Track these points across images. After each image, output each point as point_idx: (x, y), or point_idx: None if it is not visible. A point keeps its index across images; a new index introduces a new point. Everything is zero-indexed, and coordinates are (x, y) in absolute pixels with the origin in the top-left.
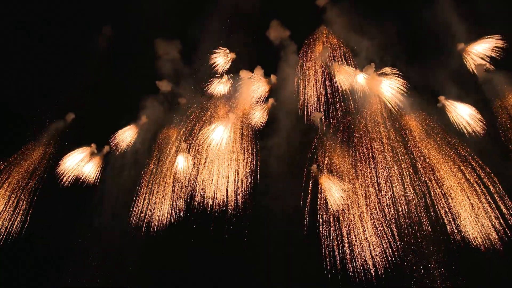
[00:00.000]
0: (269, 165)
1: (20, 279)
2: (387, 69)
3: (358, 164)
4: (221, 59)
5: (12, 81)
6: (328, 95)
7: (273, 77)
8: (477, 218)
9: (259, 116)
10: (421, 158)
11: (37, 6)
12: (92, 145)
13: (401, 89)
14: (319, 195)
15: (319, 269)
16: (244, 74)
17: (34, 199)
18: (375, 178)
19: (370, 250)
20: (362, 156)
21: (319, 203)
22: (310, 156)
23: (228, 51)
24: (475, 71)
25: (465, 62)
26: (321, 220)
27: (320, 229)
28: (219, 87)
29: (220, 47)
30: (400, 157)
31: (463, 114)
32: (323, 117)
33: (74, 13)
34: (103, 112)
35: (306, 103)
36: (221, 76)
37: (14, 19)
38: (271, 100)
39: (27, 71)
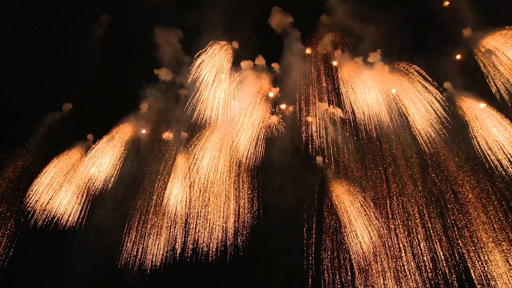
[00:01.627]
0: (273, 160)
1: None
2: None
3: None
4: (221, 56)
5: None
6: (331, 91)
7: (276, 66)
8: None
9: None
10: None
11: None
12: (89, 136)
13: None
14: (326, 199)
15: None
16: (245, 65)
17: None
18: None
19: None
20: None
21: (325, 208)
22: (313, 149)
23: (228, 46)
24: (484, 62)
25: (475, 56)
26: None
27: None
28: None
29: (217, 42)
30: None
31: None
32: (327, 110)
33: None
34: (102, 103)
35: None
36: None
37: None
38: (275, 90)
39: (22, 57)
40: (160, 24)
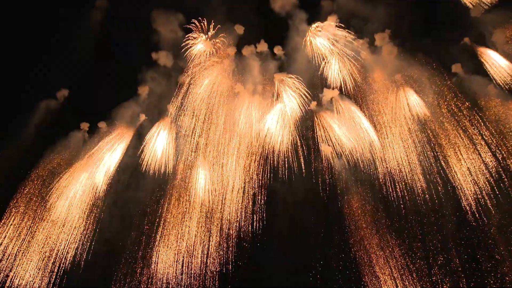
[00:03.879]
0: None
1: None
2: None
3: None
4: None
5: None
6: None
7: (278, 50)
8: None
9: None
10: None
11: None
12: (83, 125)
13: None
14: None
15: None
16: (247, 51)
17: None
18: None
19: None
20: None
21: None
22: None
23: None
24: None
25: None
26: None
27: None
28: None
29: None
30: None
31: None
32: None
33: None
34: (99, 89)
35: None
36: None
37: None
38: (279, 77)
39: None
40: (159, 6)
